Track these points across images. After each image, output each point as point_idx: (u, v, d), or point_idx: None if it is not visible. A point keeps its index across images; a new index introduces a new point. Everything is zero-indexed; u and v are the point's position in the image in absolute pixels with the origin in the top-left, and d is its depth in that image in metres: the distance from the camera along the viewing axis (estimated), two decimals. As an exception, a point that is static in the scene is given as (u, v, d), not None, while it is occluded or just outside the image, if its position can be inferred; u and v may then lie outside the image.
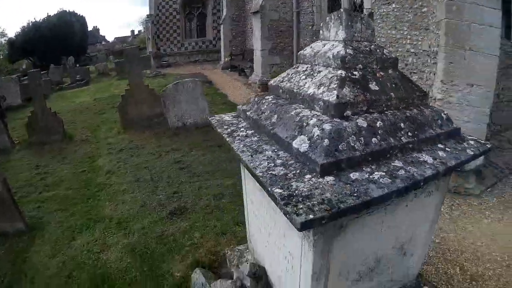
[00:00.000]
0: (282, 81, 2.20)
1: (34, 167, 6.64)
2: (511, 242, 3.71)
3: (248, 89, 11.99)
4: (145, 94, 8.12)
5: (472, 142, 1.94)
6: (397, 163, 1.60)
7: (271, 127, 1.88)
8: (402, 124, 1.79)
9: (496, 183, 4.80)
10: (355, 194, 1.35)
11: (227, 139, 2.00)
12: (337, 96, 1.66)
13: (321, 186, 1.39)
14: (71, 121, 9.53)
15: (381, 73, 1.96)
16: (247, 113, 2.21)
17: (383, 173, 1.50)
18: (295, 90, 1.99)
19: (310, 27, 11.16)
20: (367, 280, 2.14)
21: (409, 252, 2.29)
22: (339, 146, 1.50)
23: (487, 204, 4.45)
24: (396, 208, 1.87)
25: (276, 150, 1.74)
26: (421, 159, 1.66)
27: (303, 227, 1.19)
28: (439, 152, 1.76)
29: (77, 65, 22.46)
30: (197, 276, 3.00)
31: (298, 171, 1.51)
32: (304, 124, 1.67)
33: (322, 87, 1.78)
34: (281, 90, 2.16)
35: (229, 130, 2.13)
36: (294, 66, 2.28)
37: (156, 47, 20.39)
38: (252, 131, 2.05)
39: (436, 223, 2.44)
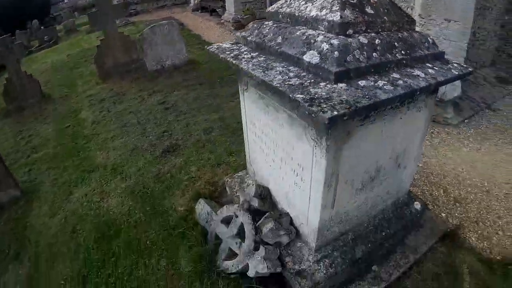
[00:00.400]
0: (281, 7, 2.25)
1: (17, 133, 6.41)
2: (490, 170, 3.99)
3: (222, 28, 11.61)
4: (120, 42, 7.79)
5: (455, 65, 2.12)
6: (395, 75, 1.78)
7: (277, 47, 1.96)
8: (396, 43, 1.96)
9: (473, 115, 5.05)
10: (367, 97, 1.53)
11: (233, 61, 2.07)
12: (341, 16, 1.78)
13: (337, 90, 1.56)
14: (47, 81, 9.07)
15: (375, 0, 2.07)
16: (248, 38, 2.26)
17: (386, 82, 1.69)
18: (296, 14, 2.06)
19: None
20: (368, 189, 2.37)
21: (403, 165, 2.53)
22: (347, 58, 1.67)
23: (465, 134, 4.72)
24: (393, 120, 2.08)
25: (285, 66, 1.85)
26: (415, 74, 1.85)
27: (331, 121, 1.37)
28: (428, 69, 1.95)
29: (42, 27, 20.98)
30: (202, 206, 3.11)
31: (312, 80, 1.66)
32: (312, 41, 1.79)
33: (325, 10, 1.88)
34: (281, 16, 2.22)
35: (232, 54, 2.19)
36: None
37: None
38: (257, 53, 2.12)
39: (424, 140, 2.68)
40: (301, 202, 2.33)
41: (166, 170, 4.06)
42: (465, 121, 4.94)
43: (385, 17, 2.02)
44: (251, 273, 2.46)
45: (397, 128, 2.15)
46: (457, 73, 2.01)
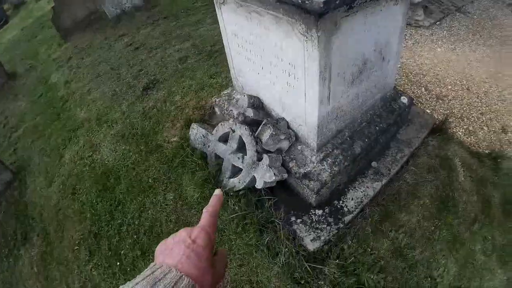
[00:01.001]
0: None
1: (-9, 119, 5.95)
2: (466, 69, 3.99)
3: None
4: (74, -5, 7.17)
5: None
6: None
7: None
8: None
9: (443, 17, 4.97)
10: None
11: None
12: None
13: None
14: (8, 60, 8.34)
15: None
16: None
17: None
18: None
19: None
20: (358, 83, 2.33)
21: (386, 58, 2.47)
22: None
23: (438, 35, 4.66)
24: (374, 12, 2.01)
25: None
26: None
27: (325, 4, 1.34)
28: None
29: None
30: (196, 130, 3.01)
31: None
32: None
33: None
34: None
35: None
36: None
37: None
38: None
39: (403, 34, 2.63)
40: (296, 102, 2.27)
41: (151, 105, 3.90)
42: (437, 23, 4.87)
43: None
44: (259, 184, 2.43)
45: (378, 20, 2.10)
46: None
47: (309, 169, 2.41)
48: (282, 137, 2.41)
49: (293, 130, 2.49)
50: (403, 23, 2.39)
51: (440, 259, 2.34)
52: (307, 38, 1.77)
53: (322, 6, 1.29)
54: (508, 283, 2.31)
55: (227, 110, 2.95)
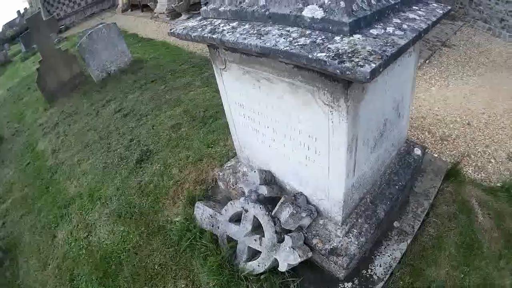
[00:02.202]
0: None
1: (-23, 187, 5.51)
2: (463, 103, 3.97)
3: (157, 21, 10.72)
4: (59, 59, 6.84)
5: (435, 5, 1.93)
6: (397, 20, 1.54)
7: (263, 10, 1.59)
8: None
9: (432, 55, 5.01)
10: (388, 45, 1.28)
11: (213, 36, 1.66)
12: None
13: (358, 42, 1.27)
14: None
15: None
16: (220, 9, 1.86)
17: (394, 28, 1.44)
18: None
19: None
20: (379, 146, 2.16)
21: (402, 113, 2.34)
22: (353, 7, 1.38)
23: (430, 74, 4.65)
24: (393, 68, 1.89)
25: (281, 28, 1.50)
26: (410, 17, 1.62)
27: (372, 75, 1.11)
28: (418, 11, 1.75)
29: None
30: (201, 210, 2.70)
31: (323, 37, 1.34)
32: None
33: None
34: None
35: (207, 30, 1.77)
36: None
37: (49, 14, 17.24)
38: (236, 22, 1.73)
39: (415, 84, 2.52)
40: (317, 176, 2.05)
41: (147, 180, 3.54)
42: (426, 62, 4.82)
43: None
44: (282, 267, 2.16)
45: (396, 76, 1.96)
46: (441, 12, 1.82)
47: (335, 244, 2.17)
48: (304, 214, 2.16)
49: (313, 205, 2.25)
50: (414, 73, 2.30)
51: None
52: (332, 108, 1.57)
53: (368, 77, 1.09)
54: None
55: (233, 186, 2.70)
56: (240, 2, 1.69)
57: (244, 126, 2.39)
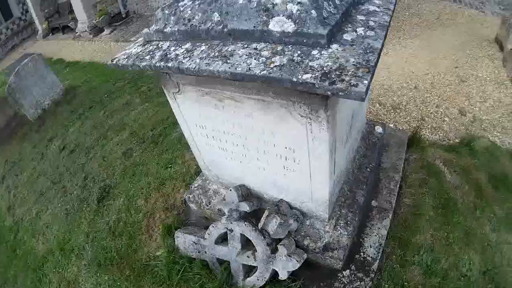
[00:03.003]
0: None
1: None
2: (406, 68, 4.06)
3: (80, 41, 9.86)
4: (-13, 105, 6.10)
5: None
6: (360, 17, 1.43)
7: (220, 27, 1.41)
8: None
9: None
10: (368, 51, 1.19)
11: (168, 65, 1.45)
12: None
13: (338, 55, 1.18)
14: None
15: None
16: (165, 30, 1.62)
17: (363, 28, 1.34)
18: None
19: None
20: (349, 137, 2.14)
21: None
22: (323, 14, 1.26)
23: None
24: None
25: (246, 45, 1.34)
26: (371, 9, 1.52)
27: (366, 93, 1.03)
28: (374, 1, 1.64)
29: None
30: (182, 239, 2.52)
31: (299, 52, 1.23)
32: (269, 6, 1.30)
33: None
34: None
35: (157, 56, 1.55)
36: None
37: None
38: (188, 44, 1.52)
39: None
40: (298, 183, 1.99)
41: (114, 219, 3.21)
42: None
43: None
44: (283, 275, 2.12)
45: None
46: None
47: (326, 240, 2.16)
48: (291, 221, 2.12)
49: (296, 209, 2.20)
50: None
51: (463, 257, 2.33)
52: (310, 119, 1.49)
53: (364, 96, 1.02)
54: None
55: (207, 206, 2.56)
56: (189, 20, 1.49)
57: (209, 146, 2.23)
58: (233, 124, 1.85)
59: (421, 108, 3.51)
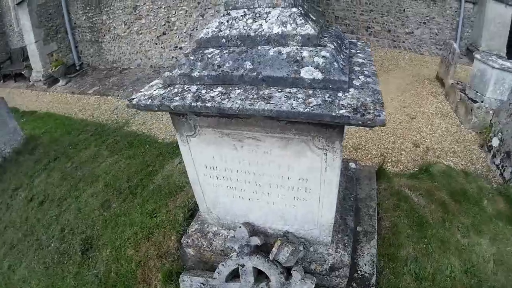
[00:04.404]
0: (221, 31, 1.84)
1: None
2: None
3: (34, 90, 9.19)
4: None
5: (360, 44, 2.28)
6: (357, 67, 1.79)
7: (254, 73, 1.62)
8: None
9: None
10: (375, 92, 1.53)
11: (207, 105, 1.57)
12: (313, 28, 1.65)
13: (357, 96, 1.48)
14: None
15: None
16: (192, 74, 1.76)
17: (362, 75, 1.71)
18: (252, 34, 1.74)
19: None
20: None
21: None
22: (340, 64, 1.57)
23: None
24: None
25: (280, 90, 1.57)
26: (360, 61, 1.91)
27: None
28: (358, 54, 2.07)
29: None
30: (189, 282, 2.46)
31: (327, 95, 1.49)
32: (298, 58, 1.59)
33: (289, 25, 1.69)
34: (224, 40, 1.82)
35: (189, 98, 1.65)
36: (219, 16, 1.91)
37: None
38: (220, 87, 1.69)
39: None
40: (306, 211, 2.15)
41: (104, 270, 3.00)
42: None
43: (320, 20, 2.03)
44: None
45: None
46: (368, 49, 2.24)
47: (331, 262, 2.31)
48: (301, 248, 2.23)
49: (301, 238, 2.34)
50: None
51: (444, 262, 2.64)
52: (327, 150, 1.71)
53: (385, 123, 1.32)
54: (491, 243, 2.82)
55: (208, 248, 2.55)
56: (219, 66, 1.67)
57: (216, 187, 2.31)
58: (249, 163, 1.99)
59: (379, 146, 3.96)
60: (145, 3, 7.82)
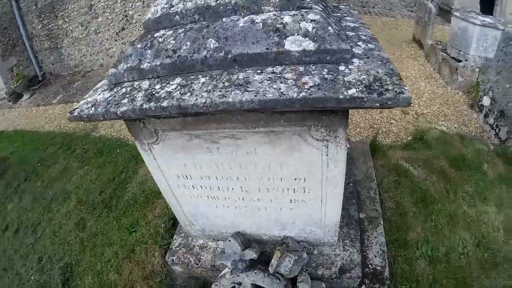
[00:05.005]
0: (172, 6, 1.39)
1: None
2: None
3: (0, 109, 8.55)
4: None
5: (343, 7, 1.82)
6: (351, 33, 1.40)
7: (221, 53, 1.18)
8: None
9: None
10: (384, 61, 1.14)
11: (163, 105, 1.14)
12: None
13: (364, 67, 1.08)
14: None
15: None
16: (142, 66, 1.31)
17: (360, 41, 1.30)
18: (213, 4, 1.28)
19: (34, 6, 8.38)
20: None
21: None
22: (335, 29, 1.16)
23: None
24: None
25: (259, 71, 1.14)
26: (351, 26, 1.53)
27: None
28: (346, 17, 1.69)
29: None
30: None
31: (326, 70, 1.08)
32: (279, 26, 1.16)
33: None
34: (178, 17, 1.36)
35: (140, 98, 1.22)
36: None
37: None
38: (179, 78, 1.25)
39: None
40: (307, 213, 1.81)
41: None
42: None
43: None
44: None
45: None
46: (355, 12, 1.85)
47: (340, 263, 2.01)
48: (304, 255, 1.88)
49: (302, 241, 2.01)
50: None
51: (454, 238, 2.40)
52: (327, 141, 1.34)
53: (411, 101, 0.96)
54: (498, 210, 2.60)
55: (196, 265, 2.19)
56: (175, 51, 1.24)
57: (195, 197, 1.91)
58: (230, 167, 1.59)
59: (366, 117, 3.65)
60: (99, 1, 7.20)
